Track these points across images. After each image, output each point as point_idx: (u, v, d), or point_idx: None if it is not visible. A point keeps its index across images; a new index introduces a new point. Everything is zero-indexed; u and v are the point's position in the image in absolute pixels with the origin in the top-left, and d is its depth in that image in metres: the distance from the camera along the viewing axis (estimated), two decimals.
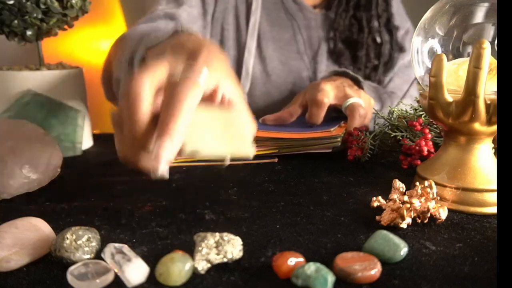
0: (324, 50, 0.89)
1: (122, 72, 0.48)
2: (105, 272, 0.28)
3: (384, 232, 0.32)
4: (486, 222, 0.38)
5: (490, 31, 0.41)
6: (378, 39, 0.90)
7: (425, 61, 0.44)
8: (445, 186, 0.41)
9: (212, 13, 0.84)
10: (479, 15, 0.42)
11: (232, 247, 0.30)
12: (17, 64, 0.63)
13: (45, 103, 0.56)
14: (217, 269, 0.30)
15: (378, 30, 0.89)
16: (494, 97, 0.38)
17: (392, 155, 0.60)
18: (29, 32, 0.56)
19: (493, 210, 0.39)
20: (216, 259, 0.29)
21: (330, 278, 0.27)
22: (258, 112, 0.87)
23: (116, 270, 0.28)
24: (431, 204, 0.36)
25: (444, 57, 0.38)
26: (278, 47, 0.87)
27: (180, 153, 0.32)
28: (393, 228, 0.36)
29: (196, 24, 0.81)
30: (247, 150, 0.36)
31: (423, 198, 0.37)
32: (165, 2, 0.81)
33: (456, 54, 0.42)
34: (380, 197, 0.39)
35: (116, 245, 0.30)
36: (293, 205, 0.42)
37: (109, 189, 0.46)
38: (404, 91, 0.93)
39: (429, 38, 0.43)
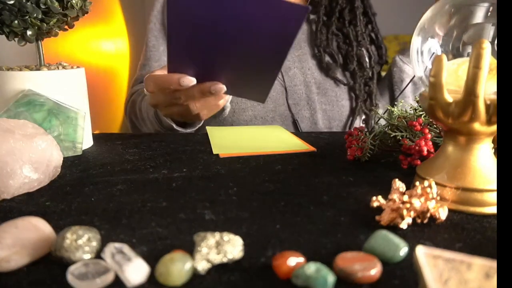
0: (313, 64, 0.90)
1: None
2: (105, 272, 0.28)
3: (384, 232, 0.32)
4: (486, 222, 0.38)
5: (490, 31, 0.41)
6: (367, 53, 0.93)
7: (425, 61, 0.44)
8: (445, 186, 0.41)
9: None
10: (479, 15, 0.42)
11: (232, 247, 0.30)
12: (17, 64, 0.63)
13: (45, 103, 0.56)
14: (217, 269, 0.30)
15: (366, 45, 0.92)
16: (494, 97, 0.38)
17: (392, 155, 0.60)
18: (29, 32, 0.56)
19: (493, 210, 0.39)
20: (216, 259, 0.29)
21: (330, 278, 0.27)
22: (246, 117, 0.88)
23: (116, 270, 0.28)
24: (431, 204, 0.36)
25: (444, 57, 0.38)
26: None
27: None
28: (393, 228, 0.36)
29: None
30: None
31: (423, 198, 0.37)
32: (139, 68, 0.94)
33: (456, 54, 0.42)
34: (380, 197, 0.39)
35: (116, 245, 0.30)
36: (293, 205, 0.42)
37: (109, 189, 0.46)
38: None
39: (429, 38, 0.43)
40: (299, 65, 0.89)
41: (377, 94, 0.95)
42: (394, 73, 0.94)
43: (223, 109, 0.85)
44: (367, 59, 0.92)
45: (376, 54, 0.95)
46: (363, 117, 0.93)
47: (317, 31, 0.90)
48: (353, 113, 0.92)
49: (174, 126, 0.71)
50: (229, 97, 0.84)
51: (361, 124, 0.93)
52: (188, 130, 0.74)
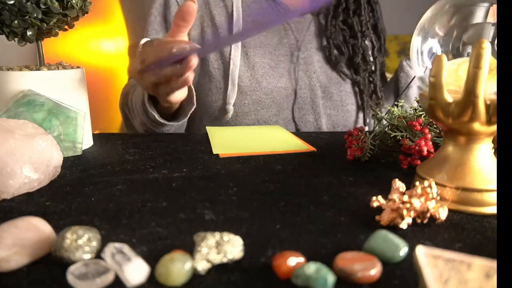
0: (320, 56, 0.90)
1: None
2: (105, 272, 0.28)
3: (384, 232, 0.32)
4: (486, 222, 0.38)
5: (490, 31, 0.41)
6: (370, 44, 0.92)
7: (425, 61, 0.44)
8: (445, 186, 0.41)
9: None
10: (479, 15, 0.42)
11: (232, 247, 0.30)
12: (17, 64, 0.63)
13: (45, 103, 0.56)
14: (217, 269, 0.30)
15: (370, 35, 0.92)
16: (494, 97, 0.38)
17: (392, 155, 0.60)
18: (29, 32, 0.56)
19: (493, 210, 0.39)
20: (216, 259, 0.29)
21: (330, 278, 0.27)
22: (248, 121, 0.88)
23: (116, 270, 0.28)
24: (431, 204, 0.36)
25: (444, 57, 0.38)
26: (268, 52, 0.87)
27: None
28: (393, 228, 0.36)
29: None
30: None
31: (423, 198, 0.37)
32: None
33: (456, 54, 0.42)
34: (380, 197, 0.39)
35: (116, 245, 0.30)
36: (293, 205, 0.42)
37: (109, 189, 0.46)
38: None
39: (429, 38, 0.43)
40: (304, 67, 0.89)
41: (381, 87, 0.94)
42: (400, 78, 0.94)
43: (225, 112, 0.85)
44: (370, 52, 0.92)
45: (378, 44, 0.94)
46: (371, 112, 0.93)
47: (327, 23, 0.89)
48: (359, 113, 0.92)
49: (157, 117, 0.69)
50: (232, 99, 0.84)
51: (371, 120, 0.93)
52: (172, 123, 0.72)
